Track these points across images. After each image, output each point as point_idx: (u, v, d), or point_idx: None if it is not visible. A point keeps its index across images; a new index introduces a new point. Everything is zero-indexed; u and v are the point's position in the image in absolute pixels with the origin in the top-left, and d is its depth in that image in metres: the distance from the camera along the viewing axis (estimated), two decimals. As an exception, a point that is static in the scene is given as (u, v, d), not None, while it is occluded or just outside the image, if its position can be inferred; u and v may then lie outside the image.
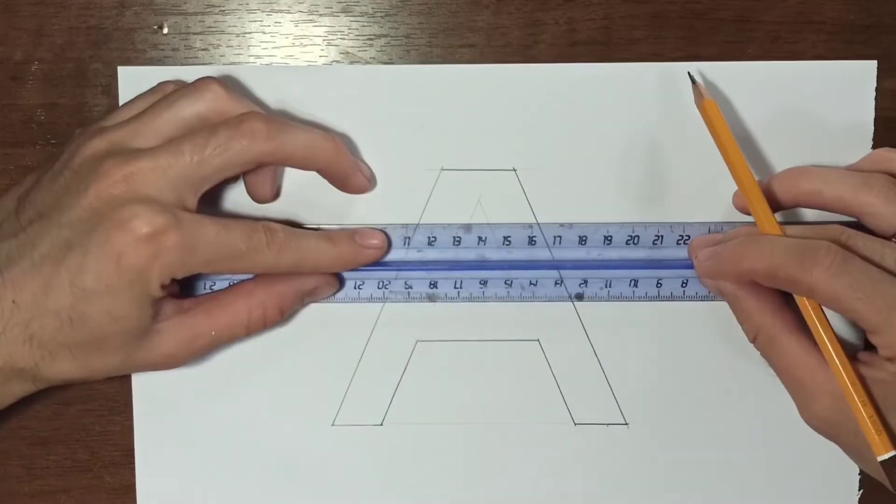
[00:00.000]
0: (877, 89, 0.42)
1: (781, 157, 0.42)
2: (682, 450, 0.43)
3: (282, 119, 0.38)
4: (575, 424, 0.43)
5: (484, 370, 0.43)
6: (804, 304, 0.37)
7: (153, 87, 0.39)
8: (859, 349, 0.40)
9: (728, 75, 0.41)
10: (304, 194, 0.42)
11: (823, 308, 0.37)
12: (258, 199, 0.41)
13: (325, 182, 0.41)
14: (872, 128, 0.42)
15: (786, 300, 0.39)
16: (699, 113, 0.40)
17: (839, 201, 0.38)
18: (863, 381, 0.36)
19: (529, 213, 0.42)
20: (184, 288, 0.41)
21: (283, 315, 0.40)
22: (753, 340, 0.39)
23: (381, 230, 0.41)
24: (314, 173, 0.40)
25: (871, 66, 0.42)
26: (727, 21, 0.42)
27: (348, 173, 0.40)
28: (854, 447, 0.37)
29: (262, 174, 0.40)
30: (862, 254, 0.36)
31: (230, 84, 0.38)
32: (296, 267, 0.39)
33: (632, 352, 0.42)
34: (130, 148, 0.37)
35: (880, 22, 0.42)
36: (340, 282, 0.42)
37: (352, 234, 0.41)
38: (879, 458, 0.36)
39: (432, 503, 0.43)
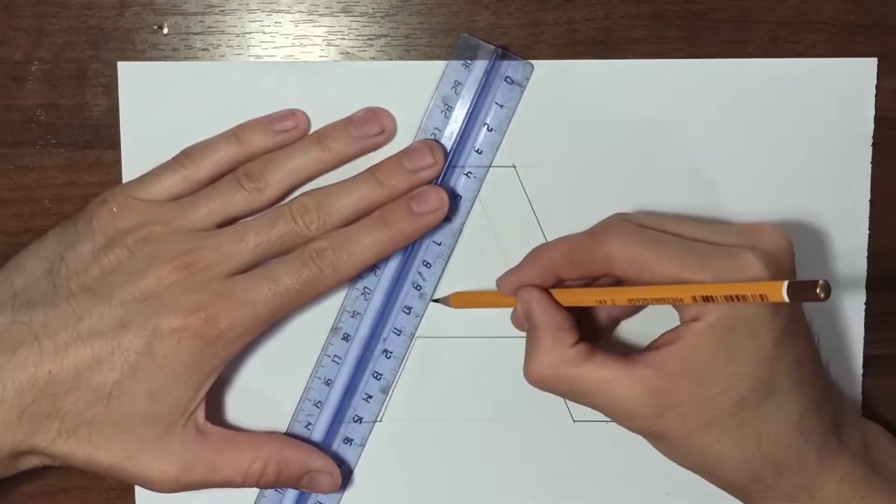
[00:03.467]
0: (876, 88, 0.42)
1: (781, 156, 0.42)
2: (680, 448, 0.43)
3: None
4: (574, 421, 0.43)
5: (483, 367, 0.43)
6: None
7: (178, 158, 0.40)
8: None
9: (727, 73, 0.42)
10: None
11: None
12: None
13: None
14: (872, 126, 0.42)
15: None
16: None
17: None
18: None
19: (529, 209, 0.42)
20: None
21: (277, 482, 0.40)
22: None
23: (437, 186, 0.40)
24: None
25: (871, 63, 0.42)
26: (727, 21, 0.42)
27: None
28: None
29: None
30: (645, 224, 0.37)
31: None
32: (360, 270, 0.39)
33: (629, 349, 0.42)
34: (186, 230, 0.38)
35: (880, 22, 0.42)
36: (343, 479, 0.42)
37: (406, 203, 0.39)
38: None
39: (430, 500, 0.43)
